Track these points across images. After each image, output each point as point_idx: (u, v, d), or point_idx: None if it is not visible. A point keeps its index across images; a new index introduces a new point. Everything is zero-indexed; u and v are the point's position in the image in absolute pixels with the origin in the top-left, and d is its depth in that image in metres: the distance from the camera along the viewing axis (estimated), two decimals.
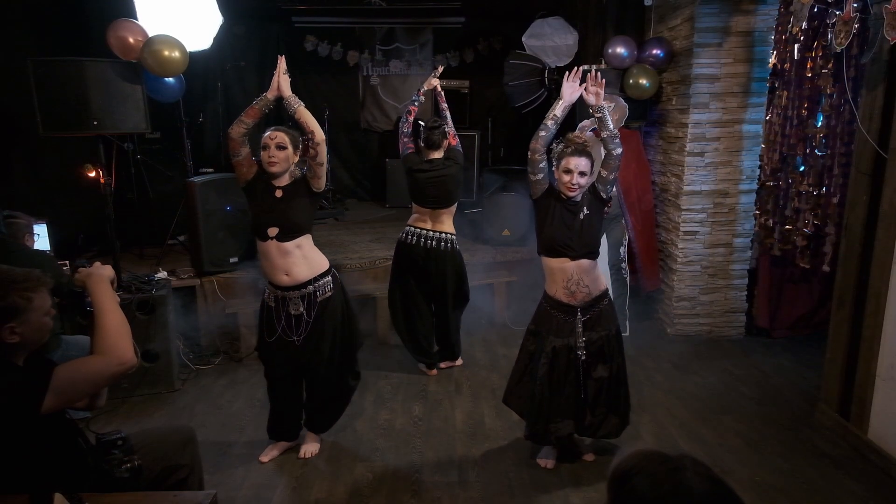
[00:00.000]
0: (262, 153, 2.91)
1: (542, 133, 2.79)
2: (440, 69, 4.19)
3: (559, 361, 2.90)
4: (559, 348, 2.89)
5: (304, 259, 2.97)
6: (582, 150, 2.77)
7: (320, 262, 3.06)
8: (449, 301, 4.07)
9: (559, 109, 2.81)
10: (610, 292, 3.06)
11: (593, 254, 2.86)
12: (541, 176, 2.85)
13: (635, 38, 5.01)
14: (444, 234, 3.95)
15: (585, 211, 2.82)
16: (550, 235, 2.83)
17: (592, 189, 2.86)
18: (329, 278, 3.06)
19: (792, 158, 4.19)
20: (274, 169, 2.91)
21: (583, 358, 2.89)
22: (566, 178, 2.76)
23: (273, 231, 2.90)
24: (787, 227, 4.33)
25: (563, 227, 2.81)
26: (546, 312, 2.95)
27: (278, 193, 2.93)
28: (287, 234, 2.91)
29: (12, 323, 1.74)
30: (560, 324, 2.90)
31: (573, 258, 2.81)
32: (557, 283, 2.87)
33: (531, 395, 2.98)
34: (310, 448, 3.25)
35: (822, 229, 4.05)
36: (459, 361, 4.34)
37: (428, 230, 3.95)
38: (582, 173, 2.75)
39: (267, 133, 2.97)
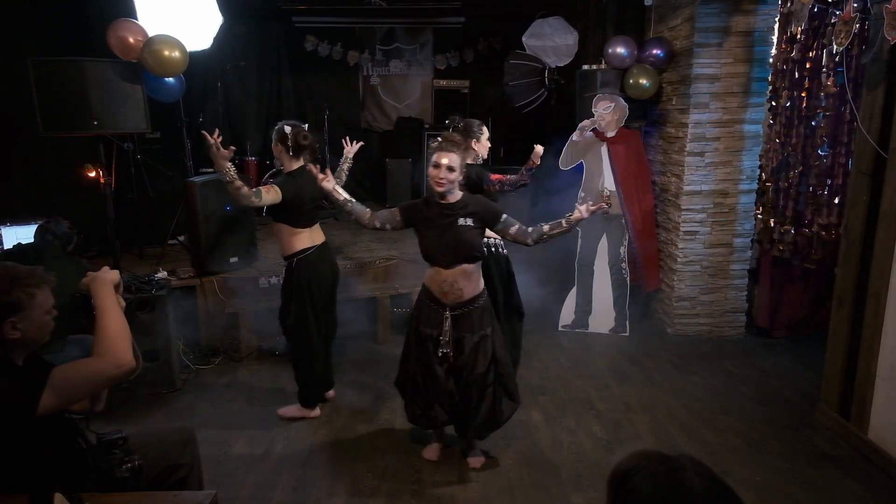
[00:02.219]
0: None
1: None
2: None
3: (427, 350, 2.96)
4: (425, 336, 2.96)
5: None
6: (451, 147, 2.81)
7: None
8: (499, 311, 3.61)
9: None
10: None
11: (472, 259, 2.88)
12: None
13: (635, 38, 5.01)
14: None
15: (465, 222, 2.83)
16: (425, 246, 2.92)
17: (485, 215, 2.87)
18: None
19: (794, 158, 4.19)
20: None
21: (447, 352, 2.92)
22: (434, 172, 2.80)
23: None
24: (787, 227, 4.32)
25: (441, 238, 2.85)
26: (420, 300, 3.04)
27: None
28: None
29: (14, 318, 1.75)
30: (430, 313, 2.96)
31: (446, 267, 2.86)
32: (433, 279, 2.93)
33: (411, 378, 3.07)
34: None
35: (823, 229, 4.04)
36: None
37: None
38: (450, 168, 2.78)
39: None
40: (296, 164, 3.38)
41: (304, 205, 3.33)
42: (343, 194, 2.98)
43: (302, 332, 3.49)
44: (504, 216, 2.88)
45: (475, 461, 3.16)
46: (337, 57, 7.97)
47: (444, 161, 2.78)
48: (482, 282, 3.00)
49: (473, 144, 3.54)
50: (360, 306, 4.71)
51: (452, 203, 2.85)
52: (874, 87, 3.05)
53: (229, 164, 3.08)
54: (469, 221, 2.84)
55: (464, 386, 2.98)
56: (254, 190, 3.17)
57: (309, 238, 3.42)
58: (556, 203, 5.14)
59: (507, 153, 7.55)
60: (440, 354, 2.93)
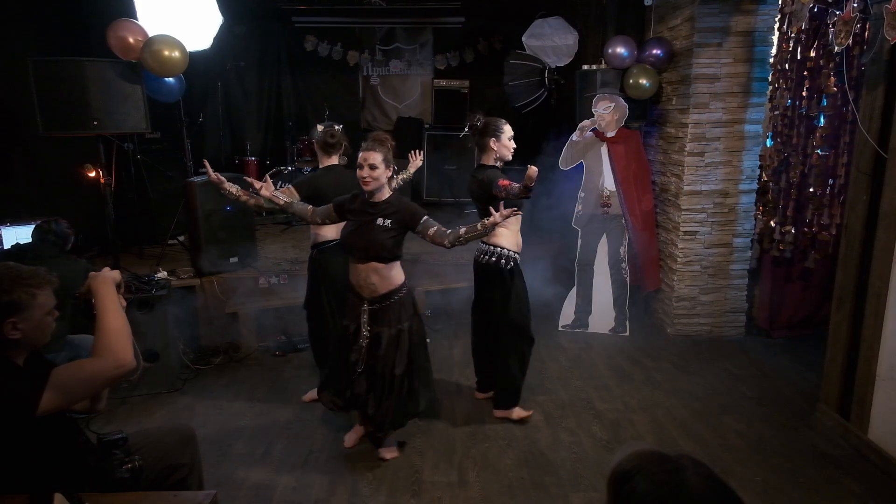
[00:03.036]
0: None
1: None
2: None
3: (347, 340, 3.09)
4: (344, 327, 3.12)
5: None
6: (373, 146, 2.88)
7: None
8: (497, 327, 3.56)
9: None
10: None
11: (384, 258, 2.94)
12: None
13: (635, 38, 5.01)
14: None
15: (383, 223, 2.89)
16: (342, 237, 3.04)
17: (405, 216, 2.91)
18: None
19: (795, 158, 4.19)
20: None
21: (363, 343, 3.02)
22: (359, 172, 2.88)
23: None
24: (788, 227, 4.33)
25: (356, 233, 2.94)
26: (347, 292, 3.15)
27: None
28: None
29: (15, 318, 1.75)
30: (351, 306, 3.09)
31: (358, 261, 2.96)
32: (351, 271, 3.04)
33: (332, 364, 3.22)
34: None
35: (824, 229, 4.05)
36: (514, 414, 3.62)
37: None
38: (372, 166, 2.84)
39: None
40: (328, 161, 3.57)
41: (324, 200, 3.40)
42: (283, 199, 3.14)
43: (314, 316, 3.73)
44: (424, 218, 2.90)
45: (386, 452, 3.21)
46: (337, 57, 7.97)
47: (368, 160, 2.85)
48: (400, 277, 3.04)
49: (492, 143, 3.31)
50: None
51: (376, 202, 2.93)
52: (874, 87, 3.05)
53: (275, 194, 3.15)
54: (387, 222, 2.90)
55: (377, 377, 3.04)
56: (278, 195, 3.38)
57: (333, 232, 3.51)
58: (557, 203, 5.15)
59: None
60: (356, 346, 3.03)
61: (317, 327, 3.78)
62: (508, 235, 3.34)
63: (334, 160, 3.54)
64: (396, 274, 3.02)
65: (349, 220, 3.01)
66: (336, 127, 3.59)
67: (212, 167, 3.19)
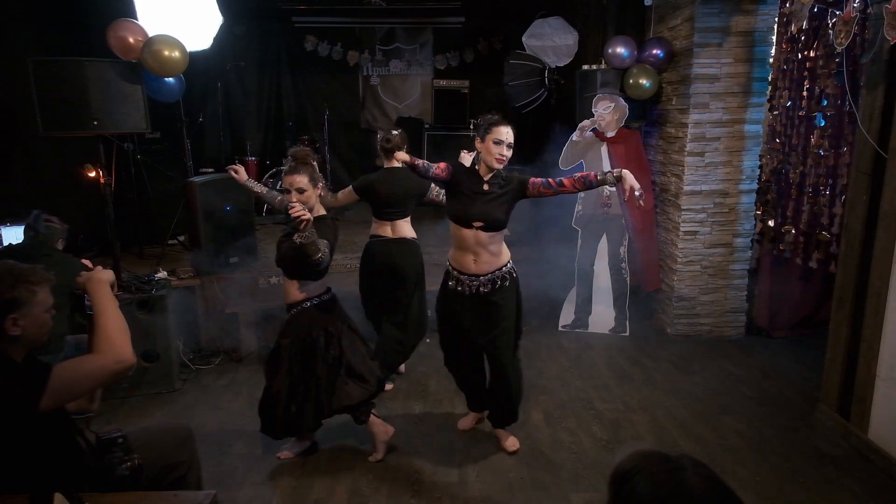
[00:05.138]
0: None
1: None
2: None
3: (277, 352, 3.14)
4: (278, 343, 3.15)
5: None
6: (299, 168, 2.86)
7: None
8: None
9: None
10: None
11: (298, 276, 2.96)
12: None
13: (635, 38, 5.01)
14: None
15: (298, 238, 2.86)
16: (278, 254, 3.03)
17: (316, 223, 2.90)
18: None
19: (796, 157, 4.19)
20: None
21: (294, 349, 3.03)
22: (287, 196, 2.90)
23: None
24: (788, 227, 4.33)
25: (284, 246, 2.94)
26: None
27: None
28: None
29: (16, 314, 1.76)
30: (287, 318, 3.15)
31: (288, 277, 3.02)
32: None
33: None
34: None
35: (824, 229, 4.05)
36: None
37: None
38: (299, 190, 2.84)
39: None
40: (388, 164, 3.75)
41: (377, 200, 3.72)
42: (257, 187, 3.50)
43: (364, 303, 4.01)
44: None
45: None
46: (337, 57, 7.97)
47: (294, 185, 2.84)
48: (323, 286, 3.05)
49: (477, 143, 2.95)
50: (359, 306, 4.70)
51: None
52: (874, 87, 3.05)
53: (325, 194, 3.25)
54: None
55: (314, 379, 3.00)
56: (334, 194, 3.77)
57: (383, 229, 3.76)
58: (557, 203, 5.14)
59: None
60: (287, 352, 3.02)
61: (368, 316, 4.05)
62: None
63: (395, 163, 3.65)
64: (316, 286, 3.00)
65: (285, 231, 3.02)
66: (394, 132, 3.75)
67: (212, 167, 3.25)
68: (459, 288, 3.04)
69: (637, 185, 2.73)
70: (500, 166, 2.89)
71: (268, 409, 3.06)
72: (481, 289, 3.00)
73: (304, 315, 3.00)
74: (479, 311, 3.04)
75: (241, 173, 3.50)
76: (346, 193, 3.75)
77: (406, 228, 3.80)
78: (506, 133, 2.86)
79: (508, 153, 2.88)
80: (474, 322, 3.07)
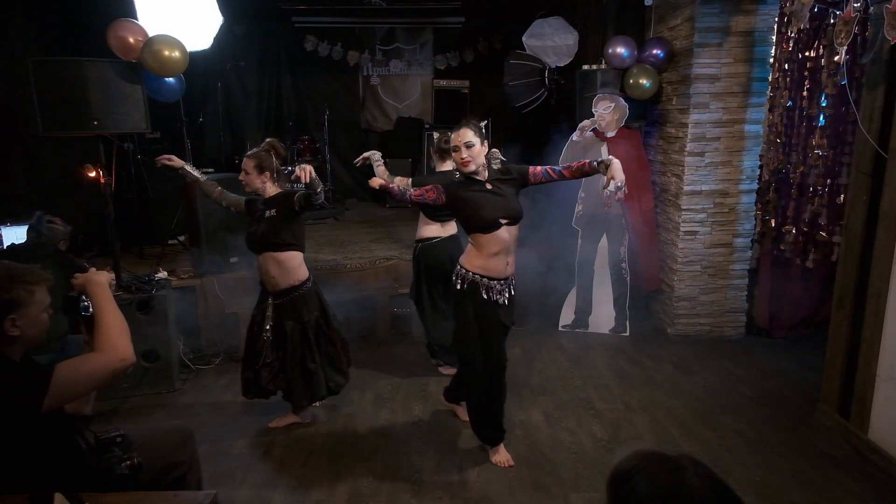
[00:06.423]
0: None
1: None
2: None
3: (254, 329, 3.41)
4: (254, 319, 3.43)
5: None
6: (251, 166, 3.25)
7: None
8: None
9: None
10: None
11: (273, 249, 3.22)
12: None
13: (635, 38, 5.01)
14: None
15: (270, 213, 3.23)
16: (246, 235, 3.36)
17: (286, 206, 3.19)
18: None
19: (797, 157, 4.19)
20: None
21: (268, 336, 3.32)
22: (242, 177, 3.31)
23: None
24: (788, 226, 4.33)
25: (253, 229, 3.30)
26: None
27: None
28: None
29: (14, 315, 1.77)
30: (261, 299, 3.42)
31: (257, 253, 3.29)
32: (258, 266, 3.37)
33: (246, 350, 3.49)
34: None
35: (824, 229, 4.05)
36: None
37: None
38: (245, 172, 3.26)
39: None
40: (442, 167, 3.84)
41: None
42: (194, 173, 3.51)
43: (417, 305, 4.09)
44: (296, 196, 3.18)
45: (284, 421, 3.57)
46: (337, 57, 7.97)
47: (241, 176, 3.29)
48: (302, 272, 3.32)
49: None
50: (360, 306, 4.71)
51: (266, 198, 3.29)
52: (874, 87, 3.05)
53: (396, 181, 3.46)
54: (272, 212, 3.21)
55: (286, 365, 3.34)
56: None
57: (437, 230, 3.92)
58: (557, 203, 5.15)
59: (507, 154, 7.54)
60: (263, 338, 3.32)
61: (420, 314, 4.13)
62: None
63: (448, 165, 3.73)
64: (296, 267, 3.28)
65: (252, 218, 3.33)
66: (450, 134, 3.62)
67: (212, 167, 3.29)
68: (496, 298, 2.93)
69: (621, 177, 2.75)
70: (471, 168, 2.85)
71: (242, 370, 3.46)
72: (512, 290, 3.00)
73: (288, 303, 3.31)
74: (510, 318, 3.06)
75: (174, 160, 3.50)
76: (225, 194, 3.55)
77: (454, 225, 3.96)
78: (456, 137, 2.86)
79: (469, 151, 2.83)
80: (505, 332, 3.08)
